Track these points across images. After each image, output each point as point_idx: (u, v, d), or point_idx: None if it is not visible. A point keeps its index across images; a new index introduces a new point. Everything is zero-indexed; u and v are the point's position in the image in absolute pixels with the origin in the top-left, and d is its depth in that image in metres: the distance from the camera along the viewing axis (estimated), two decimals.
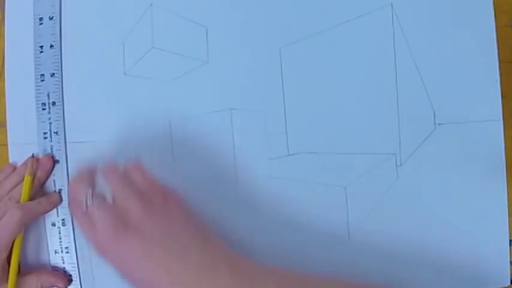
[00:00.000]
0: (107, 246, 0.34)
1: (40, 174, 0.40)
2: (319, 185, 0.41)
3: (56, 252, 0.41)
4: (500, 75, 0.43)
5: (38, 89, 0.41)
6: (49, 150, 0.41)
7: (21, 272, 0.40)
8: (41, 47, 0.42)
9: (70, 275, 0.41)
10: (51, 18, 0.42)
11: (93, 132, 0.42)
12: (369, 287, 0.36)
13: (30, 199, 0.39)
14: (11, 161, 0.42)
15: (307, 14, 0.42)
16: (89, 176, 0.37)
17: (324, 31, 0.42)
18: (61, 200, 0.41)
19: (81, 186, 0.36)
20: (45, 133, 0.41)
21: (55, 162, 0.41)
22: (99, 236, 0.34)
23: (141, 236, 0.34)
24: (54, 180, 0.41)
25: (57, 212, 0.41)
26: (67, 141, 0.42)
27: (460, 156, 0.42)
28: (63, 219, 0.41)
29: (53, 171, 0.41)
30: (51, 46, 0.42)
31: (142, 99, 0.42)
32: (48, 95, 0.41)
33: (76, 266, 0.41)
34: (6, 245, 0.38)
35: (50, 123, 0.41)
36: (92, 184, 0.36)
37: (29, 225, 0.40)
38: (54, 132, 0.41)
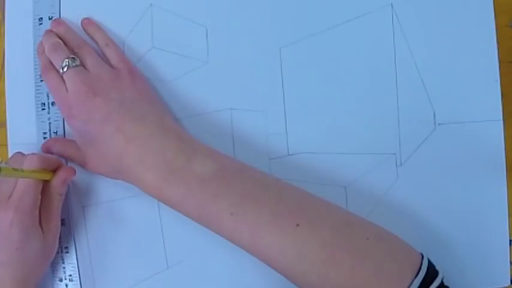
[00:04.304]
0: (76, 105, 0.37)
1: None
2: (319, 185, 0.41)
3: (55, 252, 0.41)
4: (500, 75, 0.43)
5: (37, 89, 0.42)
6: None
7: None
8: None
9: (70, 275, 0.41)
10: (50, 19, 0.42)
11: None
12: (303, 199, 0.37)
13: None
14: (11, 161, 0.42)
15: (307, 14, 0.42)
16: (68, 44, 0.40)
17: (324, 31, 0.42)
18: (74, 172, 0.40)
19: (61, 52, 0.39)
20: (44, 133, 0.41)
21: None
22: (71, 96, 0.37)
23: (107, 98, 0.37)
24: None
25: None
26: None
27: (460, 156, 0.42)
28: (62, 219, 0.41)
29: None
30: None
31: None
32: (48, 95, 0.41)
33: (76, 266, 0.41)
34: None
35: (50, 123, 0.41)
36: (68, 52, 0.39)
37: None
38: (54, 132, 0.41)
